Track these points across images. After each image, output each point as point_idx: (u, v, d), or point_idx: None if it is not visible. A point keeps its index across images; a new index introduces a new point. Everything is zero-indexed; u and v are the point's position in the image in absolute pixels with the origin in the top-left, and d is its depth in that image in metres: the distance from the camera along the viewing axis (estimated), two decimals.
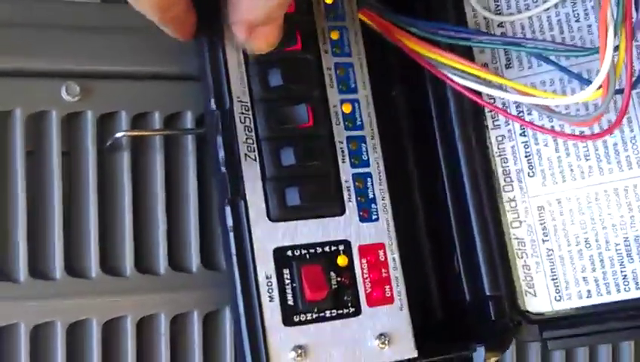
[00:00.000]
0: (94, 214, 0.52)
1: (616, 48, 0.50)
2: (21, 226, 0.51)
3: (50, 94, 0.52)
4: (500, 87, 0.55)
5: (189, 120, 0.55)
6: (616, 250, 0.55)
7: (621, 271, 0.55)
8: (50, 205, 0.52)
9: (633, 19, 0.50)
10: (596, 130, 0.55)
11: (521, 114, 0.56)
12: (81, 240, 0.52)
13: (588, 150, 0.55)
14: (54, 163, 0.52)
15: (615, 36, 0.49)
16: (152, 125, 0.55)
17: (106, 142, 0.54)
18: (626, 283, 0.54)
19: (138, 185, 0.54)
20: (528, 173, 0.56)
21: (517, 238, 0.56)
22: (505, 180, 0.57)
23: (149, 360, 0.53)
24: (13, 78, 0.52)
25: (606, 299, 0.55)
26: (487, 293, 0.54)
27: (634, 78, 0.52)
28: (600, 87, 0.50)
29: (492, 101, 0.56)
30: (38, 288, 0.51)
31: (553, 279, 0.55)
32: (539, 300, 0.55)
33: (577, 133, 0.55)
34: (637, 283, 0.54)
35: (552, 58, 0.56)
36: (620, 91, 0.52)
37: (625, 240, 0.55)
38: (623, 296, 0.55)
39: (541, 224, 0.56)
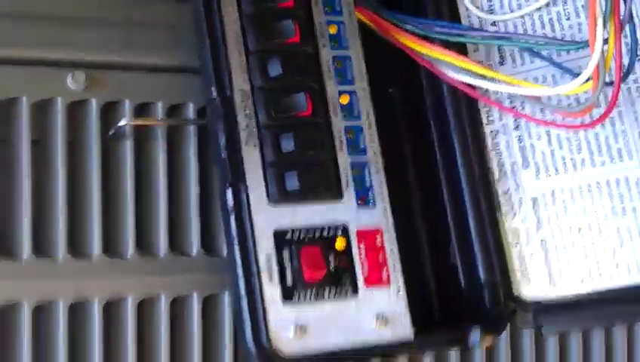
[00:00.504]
0: (97, 198, 0.53)
1: (606, 42, 0.51)
2: (26, 208, 0.52)
3: (55, 83, 0.54)
4: (493, 81, 0.56)
5: (190, 111, 0.57)
6: (608, 239, 0.56)
7: (613, 260, 0.55)
8: (55, 189, 0.53)
9: (621, 12, 0.52)
10: (587, 121, 0.56)
11: (514, 108, 0.58)
12: (85, 223, 0.53)
13: (580, 143, 0.57)
14: (59, 149, 0.53)
15: (604, 29, 0.51)
16: (155, 115, 0.56)
17: (109, 131, 0.55)
18: (617, 270, 0.55)
19: (140, 171, 0.55)
20: (522, 165, 0.57)
21: (511, 229, 0.57)
22: (499, 173, 0.58)
23: (148, 341, 0.53)
24: (20, 67, 0.53)
25: (598, 286, 0.56)
26: (483, 280, 0.55)
27: (623, 71, 0.54)
28: (590, 79, 0.52)
29: (486, 95, 0.58)
30: (41, 268, 0.51)
31: (547, 267, 0.56)
32: (533, 288, 0.56)
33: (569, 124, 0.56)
34: (628, 271, 0.55)
35: (544, 54, 0.57)
36: (611, 84, 0.53)
37: (617, 230, 0.56)
38: (615, 283, 0.55)
39: (535, 215, 0.57)
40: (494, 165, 0.58)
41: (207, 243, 0.56)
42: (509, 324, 0.57)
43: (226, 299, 0.55)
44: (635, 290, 0.55)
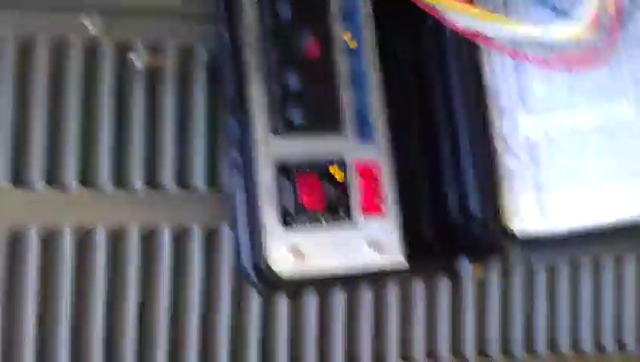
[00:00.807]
0: (110, 133, 0.56)
1: None
2: (41, 141, 0.55)
3: (73, 24, 0.56)
4: (496, 25, 0.58)
5: (202, 54, 0.59)
6: (600, 177, 0.57)
7: (604, 198, 0.57)
8: (68, 125, 0.56)
9: None
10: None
11: (515, 50, 0.59)
12: (96, 156, 0.56)
13: (577, 85, 0.59)
14: (74, 88, 0.56)
15: None
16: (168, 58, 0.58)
17: (124, 71, 0.57)
18: (607, 207, 0.57)
19: (151, 110, 0.58)
20: (519, 106, 0.59)
21: (506, 167, 0.59)
22: (497, 113, 0.60)
23: (152, 270, 0.57)
24: (39, 7, 0.56)
25: (588, 221, 0.58)
26: (475, 214, 0.57)
27: (621, 15, 0.55)
28: (589, 22, 0.54)
29: (488, 38, 0.59)
30: (52, 197, 0.55)
31: (539, 205, 0.58)
32: (524, 223, 0.58)
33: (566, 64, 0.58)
34: (618, 209, 0.57)
35: (547, 1, 0.59)
36: (609, 28, 0.55)
37: (609, 170, 0.57)
38: (605, 219, 0.57)
39: (529, 154, 0.59)
40: (492, 105, 0.60)
41: (213, 179, 0.59)
42: (500, 259, 0.59)
43: (227, 233, 0.58)
44: (623, 227, 0.57)
